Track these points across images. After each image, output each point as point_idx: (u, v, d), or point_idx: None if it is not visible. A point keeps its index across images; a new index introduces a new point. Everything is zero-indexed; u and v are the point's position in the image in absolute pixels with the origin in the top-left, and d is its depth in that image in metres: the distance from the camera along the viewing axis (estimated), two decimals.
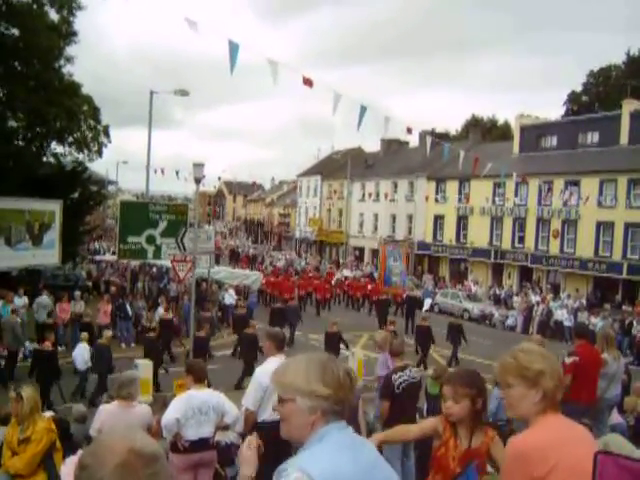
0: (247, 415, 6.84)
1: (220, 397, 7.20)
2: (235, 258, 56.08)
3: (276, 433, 7.02)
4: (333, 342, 18.47)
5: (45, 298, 22.21)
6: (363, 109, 15.57)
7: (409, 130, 18.99)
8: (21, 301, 21.73)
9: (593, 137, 41.74)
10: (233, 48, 11.88)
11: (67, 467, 5.59)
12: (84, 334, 17.31)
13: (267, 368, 6.98)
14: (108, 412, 7.33)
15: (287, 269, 44.51)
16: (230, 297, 28.00)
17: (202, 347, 17.97)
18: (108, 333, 17.15)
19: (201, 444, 6.95)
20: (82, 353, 16.10)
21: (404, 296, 32.97)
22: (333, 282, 40.23)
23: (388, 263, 32.88)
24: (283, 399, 2.46)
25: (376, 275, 36.83)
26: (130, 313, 23.28)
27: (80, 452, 1.76)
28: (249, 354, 17.61)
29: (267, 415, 6.82)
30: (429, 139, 22.34)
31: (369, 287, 36.63)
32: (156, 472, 1.66)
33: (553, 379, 2.94)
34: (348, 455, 2.32)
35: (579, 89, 64.15)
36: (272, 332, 7.55)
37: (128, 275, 31.26)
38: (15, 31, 25.24)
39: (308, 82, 14.18)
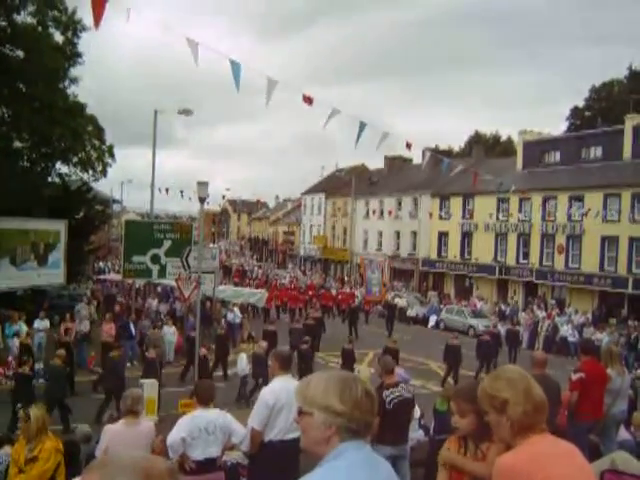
0: (253, 435, 6.81)
1: (227, 417, 7.17)
2: (228, 273, 56.01)
3: (282, 453, 7.00)
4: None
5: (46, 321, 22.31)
6: (362, 125, 15.64)
7: (408, 145, 18.95)
8: (42, 324, 21.76)
9: (596, 152, 41.78)
10: (235, 68, 11.97)
11: None
12: (245, 346, 19.14)
13: (273, 387, 6.97)
14: (114, 432, 7.34)
15: (273, 282, 45.65)
16: (235, 316, 27.95)
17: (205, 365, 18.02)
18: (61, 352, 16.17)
19: (208, 465, 6.91)
20: (241, 362, 18.34)
21: (383, 304, 36.56)
22: (311, 293, 41.73)
23: (368, 275, 34.22)
24: (302, 412, 2.49)
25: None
26: (134, 332, 23.28)
27: (86, 473, 1.71)
28: (258, 372, 17.88)
29: (273, 435, 6.80)
30: (427, 154, 22.42)
31: (339, 297, 39.00)
32: None
33: (519, 406, 2.94)
34: (361, 473, 2.34)
35: (582, 104, 64.32)
36: (277, 352, 7.54)
37: (133, 294, 31.28)
38: (20, 53, 25.43)
39: (308, 100, 14.25)
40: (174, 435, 6.87)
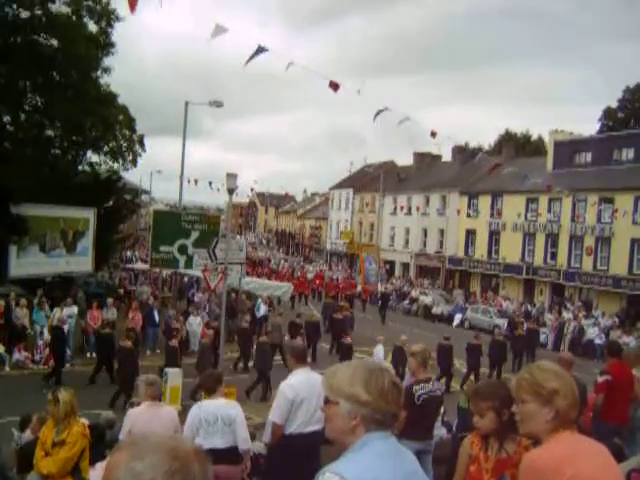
0: (275, 429, 6.83)
1: (233, 410, 7.10)
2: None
3: (302, 446, 6.99)
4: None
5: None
6: (383, 109, 15.75)
7: (433, 134, 18.80)
8: (71, 310, 21.80)
9: (628, 153, 41.24)
10: (259, 50, 12.05)
11: (97, 472, 5.63)
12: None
13: (291, 382, 6.96)
14: (137, 414, 7.38)
15: (279, 271, 50.10)
16: (258, 307, 28.02)
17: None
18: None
19: (214, 456, 6.68)
20: (379, 353, 18.98)
21: (379, 294, 39.69)
22: (317, 282, 45.30)
23: (366, 267, 39.60)
24: (328, 400, 2.50)
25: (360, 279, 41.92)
26: (157, 320, 23.48)
27: (114, 453, 1.71)
28: (262, 364, 18.00)
29: (294, 428, 6.81)
30: (447, 144, 22.34)
31: (340, 286, 41.56)
32: (206, 469, 1.66)
33: (567, 398, 2.95)
34: (387, 463, 2.34)
35: (614, 105, 63.43)
36: (291, 346, 7.57)
37: (160, 284, 31.46)
38: (54, 42, 25.59)
39: (334, 85, 14.23)
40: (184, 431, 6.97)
